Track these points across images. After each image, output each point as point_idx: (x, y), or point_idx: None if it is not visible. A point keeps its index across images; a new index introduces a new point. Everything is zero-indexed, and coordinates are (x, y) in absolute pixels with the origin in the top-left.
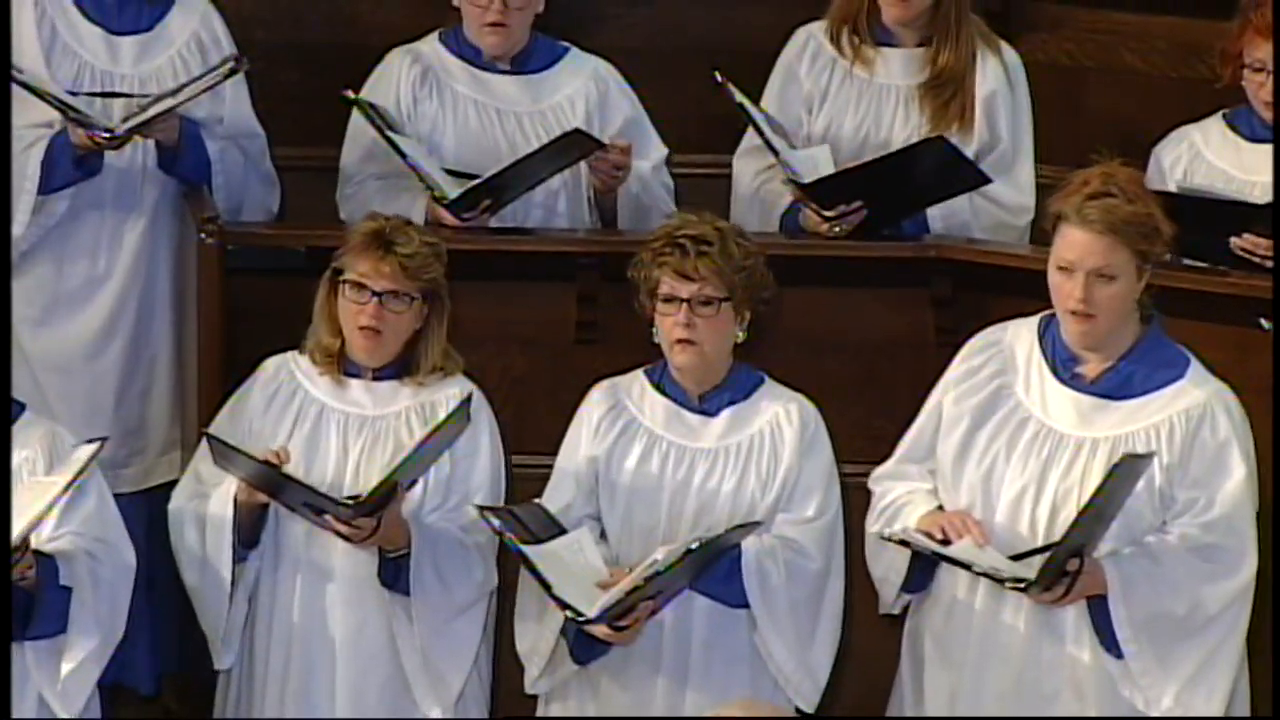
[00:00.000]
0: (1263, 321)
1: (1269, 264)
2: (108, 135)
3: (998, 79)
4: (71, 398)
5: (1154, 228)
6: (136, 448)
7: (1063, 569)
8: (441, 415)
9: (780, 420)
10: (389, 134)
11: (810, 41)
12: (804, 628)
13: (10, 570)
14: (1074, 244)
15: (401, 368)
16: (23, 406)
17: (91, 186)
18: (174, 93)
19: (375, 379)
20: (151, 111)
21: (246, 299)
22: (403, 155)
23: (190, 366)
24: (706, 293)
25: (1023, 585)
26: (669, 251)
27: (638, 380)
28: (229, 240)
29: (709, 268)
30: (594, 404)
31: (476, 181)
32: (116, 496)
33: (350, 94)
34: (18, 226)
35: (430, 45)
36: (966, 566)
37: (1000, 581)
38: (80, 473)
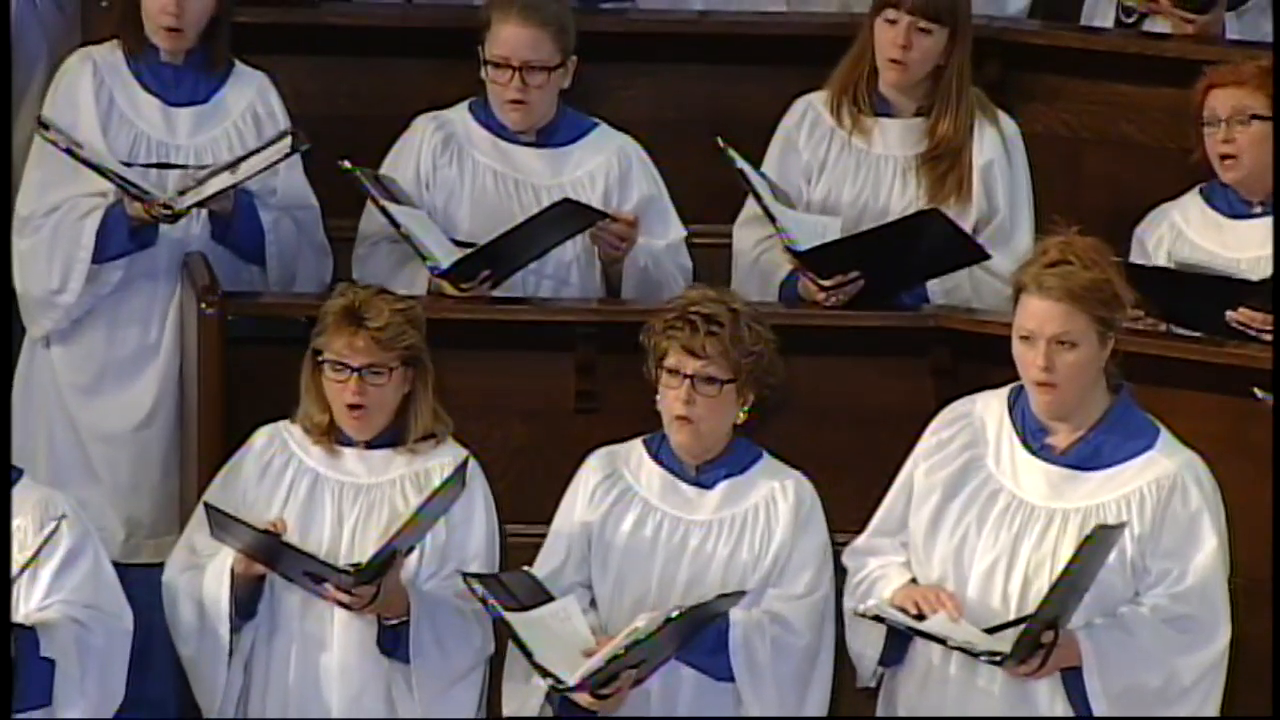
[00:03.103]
0: (1256, 391)
1: (1266, 336)
2: (166, 212)
3: (995, 149)
4: (117, 467)
5: (1113, 294)
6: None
7: (1037, 642)
8: (436, 482)
9: (776, 496)
10: (384, 203)
11: (809, 111)
12: (789, 704)
13: (10, 579)
14: (1033, 313)
15: (394, 435)
16: (20, 472)
17: (145, 256)
18: (232, 168)
19: (369, 447)
20: (211, 189)
21: (247, 369)
22: (396, 224)
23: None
24: (710, 372)
25: (998, 659)
26: (679, 325)
27: (636, 449)
28: (229, 310)
29: (716, 348)
30: (590, 470)
31: (470, 251)
32: (155, 565)
33: (347, 164)
34: (70, 295)
35: (459, 114)
36: (941, 641)
37: (975, 655)
38: (33, 557)
